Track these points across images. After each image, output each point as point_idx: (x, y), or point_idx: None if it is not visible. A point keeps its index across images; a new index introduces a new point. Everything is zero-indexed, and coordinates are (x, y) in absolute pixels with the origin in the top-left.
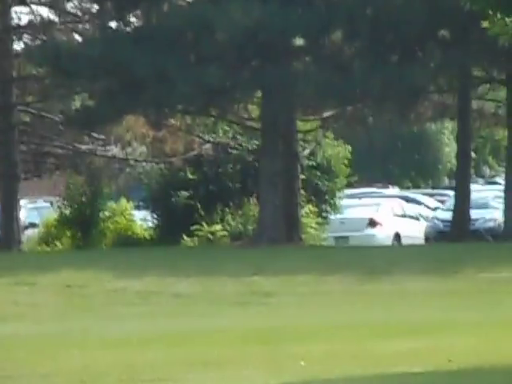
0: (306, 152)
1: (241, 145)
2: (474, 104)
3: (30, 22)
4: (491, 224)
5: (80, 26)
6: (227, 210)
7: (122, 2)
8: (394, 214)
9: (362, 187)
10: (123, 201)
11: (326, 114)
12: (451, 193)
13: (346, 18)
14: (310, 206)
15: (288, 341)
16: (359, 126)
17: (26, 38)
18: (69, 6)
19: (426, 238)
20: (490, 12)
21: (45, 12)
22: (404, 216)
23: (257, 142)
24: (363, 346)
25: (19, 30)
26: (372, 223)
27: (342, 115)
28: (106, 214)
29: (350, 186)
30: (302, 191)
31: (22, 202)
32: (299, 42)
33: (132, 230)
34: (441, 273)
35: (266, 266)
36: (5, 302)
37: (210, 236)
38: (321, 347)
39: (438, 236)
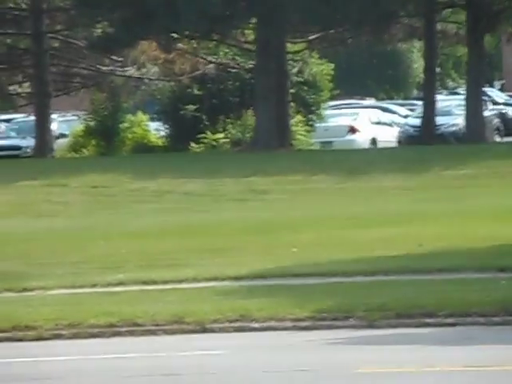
0: (295, 70)
1: (239, 64)
2: (439, 26)
3: None
4: (454, 128)
5: None
6: (228, 120)
7: None
8: (370, 122)
9: (343, 99)
10: (139, 114)
11: (312, 37)
12: (420, 102)
13: None
14: (299, 116)
15: (281, 231)
16: (340, 47)
17: None
18: None
19: (399, 142)
20: None
21: None
22: (379, 123)
23: (253, 62)
24: (346, 234)
25: None
26: (352, 130)
27: (326, 37)
28: (125, 125)
29: (332, 98)
30: (292, 103)
31: (54, 116)
32: None
33: (147, 139)
34: (412, 171)
35: (261, 168)
36: (40, 200)
37: (213, 143)
38: (309, 236)
39: (408, 140)
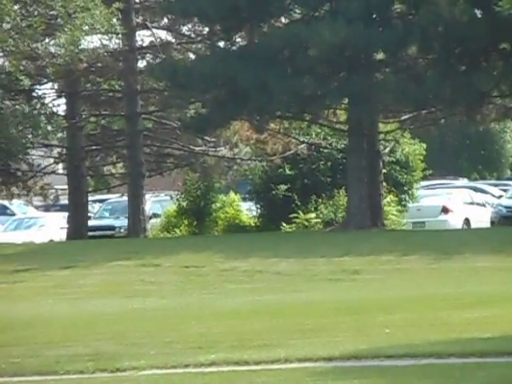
0: (387, 150)
1: (331, 144)
2: None
3: (151, 43)
4: None
5: (193, 45)
6: (320, 200)
7: (228, 25)
8: (463, 202)
9: (436, 179)
10: (232, 194)
11: (404, 117)
12: None
13: (420, 35)
14: (391, 196)
15: (374, 311)
16: (432, 127)
17: (148, 57)
18: (184, 29)
19: (492, 222)
20: None
21: (163, 34)
22: (472, 203)
23: (344, 142)
24: (439, 315)
25: (142, 51)
26: (445, 210)
27: (418, 117)
28: (217, 205)
29: (425, 178)
30: (384, 183)
31: (147, 196)
32: (380, 55)
33: (239, 219)
34: (505, 252)
35: (353, 248)
36: (133, 281)
37: (305, 223)
38: (402, 316)
39: (501, 220)
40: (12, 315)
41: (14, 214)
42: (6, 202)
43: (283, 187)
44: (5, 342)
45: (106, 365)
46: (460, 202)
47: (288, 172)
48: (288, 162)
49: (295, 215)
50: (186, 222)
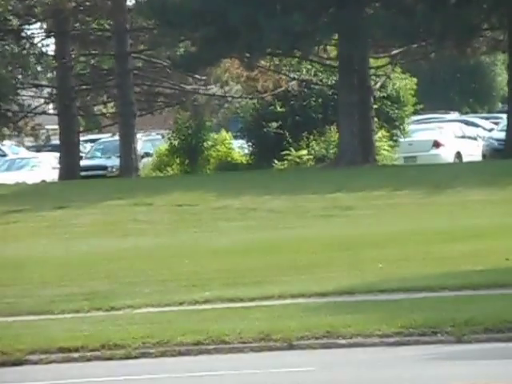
0: (378, 85)
1: (321, 81)
2: None
3: None
4: None
5: None
6: (311, 137)
7: None
8: (455, 136)
9: (427, 114)
10: (223, 132)
11: (395, 52)
12: (504, 116)
13: None
14: (383, 131)
15: (366, 247)
16: (423, 61)
17: None
18: None
19: (483, 156)
20: None
21: None
22: (464, 137)
23: (335, 78)
24: (431, 249)
25: None
26: (436, 144)
27: (408, 52)
28: (209, 143)
29: (416, 113)
30: (375, 119)
31: (138, 135)
32: None
33: (231, 157)
34: (497, 185)
35: (345, 184)
36: (126, 220)
37: (297, 160)
38: (395, 251)
39: (493, 153)
40: (5, 256)
41: (5, 155)
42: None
43: (274, 124)
44: None
45: (100, 304)
46: (451, 136)
47: (279, 109)
48: (279, 99)
49: (287, 152)
50: (177, 160)
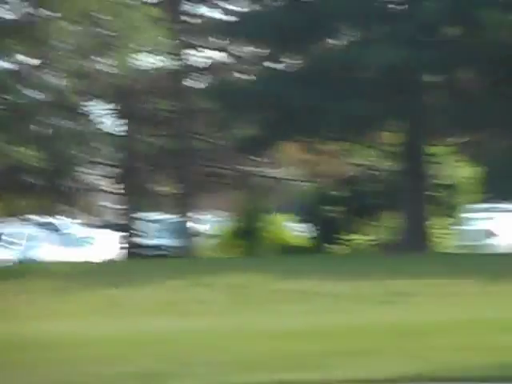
0: (438, 172)
1: (382, 166)
2: None
3: (203, 64)
4: None
5: (244, 66)
6: (371, 222)
7: (279, 47)
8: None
9: (487, 203)
10: (282, 215)
11: (454, 140)
12: None
13: (473, 57)
14: (440, 219)
15: (427, 334)
16: (484, 151)
17: (200, 77)
18: (236, 50)
19: None
20: None
21: (215, 55)
22: None
23: (396, 165)
24: (493, 338)
25: (193, 71)
26: (491, 234)
27: (468, 141)
28: (268, 225)
29: (475, 201)
30: (432, 206)
31: (198, 216)
32: (432, 78)
33: (290, 240)
34: None
35: (405, 270)
36: (185, 300)
37: (356, 244)
38: (456, 340)
39: None
40: (60, 334)
41: (64, 232)
42: (55, 220)
43: (334, 208)
44: (50, 361)
45: None
46: (507, 226)
47: (339, 193)
48: (339, 183)
49: (346, 237)
50: (237, 242)
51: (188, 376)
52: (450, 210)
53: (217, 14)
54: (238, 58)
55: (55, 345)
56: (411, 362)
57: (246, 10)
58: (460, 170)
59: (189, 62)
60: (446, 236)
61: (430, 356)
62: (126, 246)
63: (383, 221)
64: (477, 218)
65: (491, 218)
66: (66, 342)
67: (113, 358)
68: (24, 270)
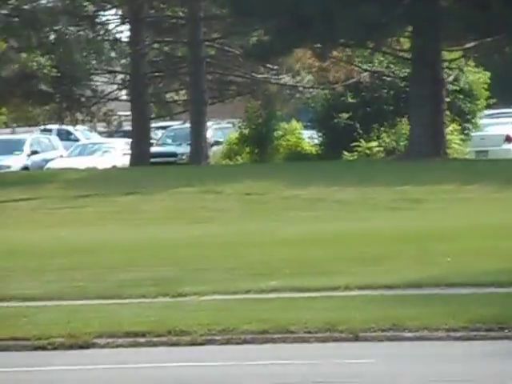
0: (451, 78)
1: (393, 72)
2: None
3: None
4: None
5: None
6: (382, 129)
7: None
8: None
9: (500, 108)
10: (293, 122)
11: (468, 45)
12: None
13: None
14: (454, 125)
15: (434, 240)
16: (497, 55)
17: None
18: None
19: None
20: None
21: None
22: None
23: (407, 70)
24: (500, 244)
25: None
26: (508, 139)
27: (482, 45)
28: (279, 132)
29: (488, 107)
30: (447, 112)
31: (209, 123)
32: None
33: (301, 147)
34: None
35: (415, 177)
36: (195, 207)
37: (367, 151)
38: (463, 245)
39: None
40: (75, 240)
41: (77, 140)
42: (70, 128)
43: (345, 115)
44: (69, 266)
45: (167, 290)
46: None
47: (350, 100)
48: (350, 89)
49: (357, 143)
50: (247, 149)
51: (200, 281)
52: (465, 116)
53: None
54: None
55: (69, 251)
56: (423, 268)
57: None
58: (475, 76)
59: None
60: (461, 142)
61: (435, 261)
62: (138, 153)
63: (395, 127)
64: (494, 124)
65: (509, 123)
66: (80, 249)
67: (127, 264)
68: (38, 178)
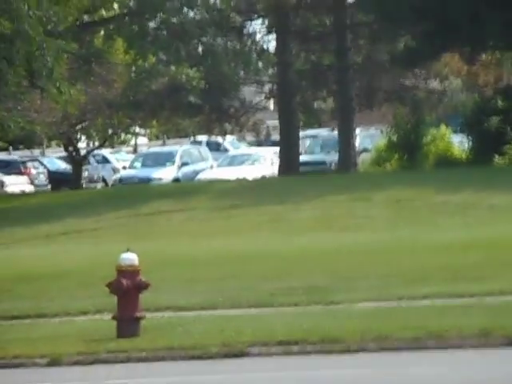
0: None
1: None
2: None
3: None
4: None
5: None
6: None
7: None
8: None
9: None
10: (442, 127)
11: None
12: None
13: None
14: None
15: None
16: None
17: None
18: None
19: None
20: None
21: None
22: None
23: None
24: None
25: None
26: None
27: None
28: (428, 138)
29: None
30: None
31: (357, 131)
32: None
33: (450, 152)
34: None
35: None
36: (345, 215)
37: None
38: None
39: None
40: (227, 250)
41: (227, 151)
42: (219, 139)
43: (495, 119)
44: (221, 275)
45: (319, 298)
46: None
47: (500, 103)
48: (500, 93)
49: (508, 147)
50: (396, 155)
51: (353, 289)
52: None
53: None
54: None
55: (223, 261)
56: None
57: None
58: None
59: None
60: None
61: None
62: (287, 162)
63: None
64: None
65: None
66: (232, 258)
67: (279, 272)
68: (189, 189)
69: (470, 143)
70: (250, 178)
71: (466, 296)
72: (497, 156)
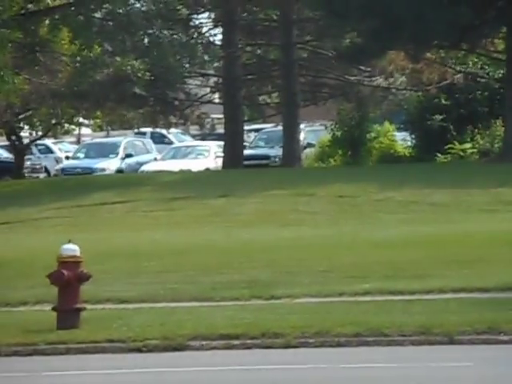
0: None
1: (488, 74)
2: None
3: None
4: None
5: None
6: (476, 130)
7: None
8: None
9: None
10: (386, 124)
11: None
12: None
13: None
14: None
15: None
16: None
17: None
18: None
19: None
20: None
21: None
22: None
23: (502, 72)
24: None
25: None
26: None
27: None
28: (372, 135)
29: None
30: None
31: (301, 126)
32: None
33: (394, 149)
34: None
35: (510, 179)
36: (288, 210)
37: (461, 153)
38: None
39: None
40: (169, 242)
41: (171, 143)
42: (163, 131)
43: (439, 117)
44: (163, 268)
45: (261, 292)
46: None
47: (444, 102)
48: (444, 91)
49: (450, 145)
50: (340, 151)
51: (295, 284)
52: None
53: None
54: None
55: (163, 253)
56: (511, 271)
57: None
58: None
59: None
60: None
61: None
62: (231, 156)
63: (489, 129)
64: None
65: None
66: (174, 251)
67: (220, 266)
68: (132, 181)
69: (414, 141)
70: (193, 170)
71: (407, 293)
72: (440, 154)
